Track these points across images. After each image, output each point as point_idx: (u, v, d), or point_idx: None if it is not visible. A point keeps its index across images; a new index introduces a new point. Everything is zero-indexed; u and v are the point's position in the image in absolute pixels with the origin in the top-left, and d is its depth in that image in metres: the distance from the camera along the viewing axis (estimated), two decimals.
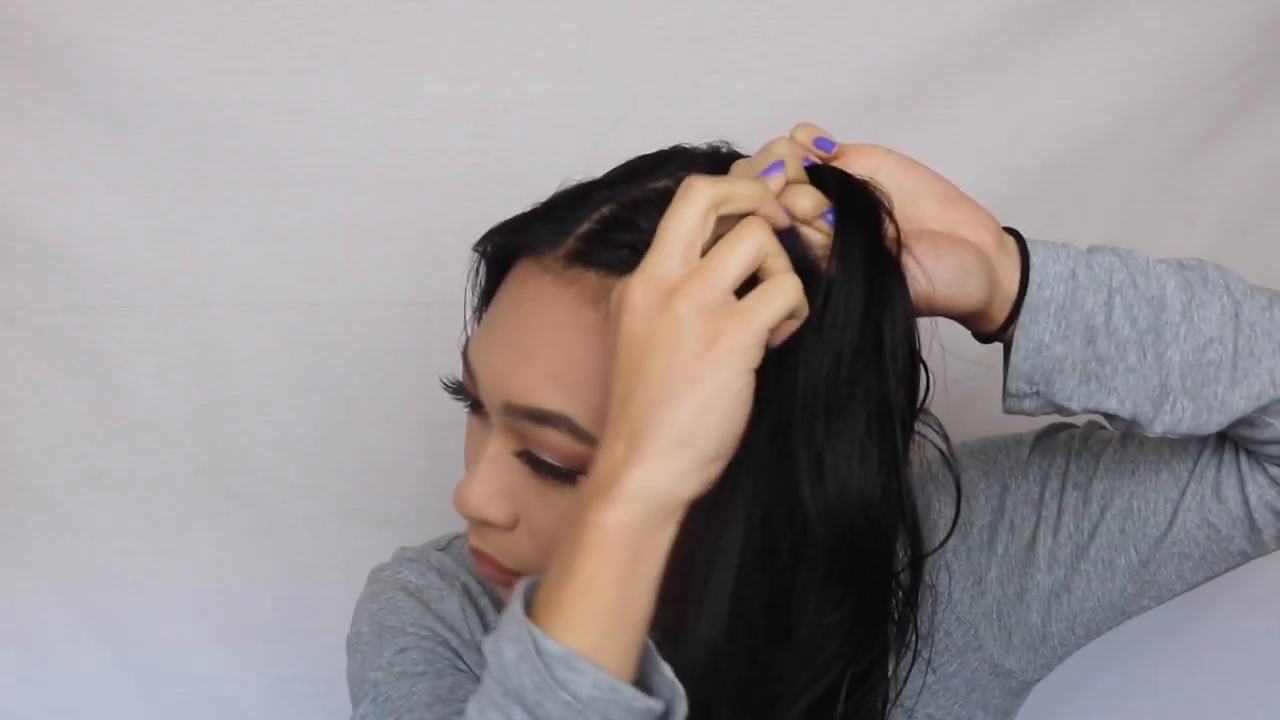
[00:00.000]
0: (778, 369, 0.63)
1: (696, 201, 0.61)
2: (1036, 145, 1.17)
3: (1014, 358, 0.68)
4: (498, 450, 0.69)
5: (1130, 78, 1.16)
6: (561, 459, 0.67)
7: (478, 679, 0.74)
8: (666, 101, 1.11)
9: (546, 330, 0.67)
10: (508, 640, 0.60)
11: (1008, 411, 0.70)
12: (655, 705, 0.60)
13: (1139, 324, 0.67)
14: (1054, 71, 1.16)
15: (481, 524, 0.71)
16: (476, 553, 0.72)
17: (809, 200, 0.65)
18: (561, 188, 0.72)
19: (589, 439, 0.65)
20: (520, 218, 0.71)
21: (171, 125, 1.10)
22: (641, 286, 0.60)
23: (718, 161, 0.70)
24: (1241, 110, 1.18)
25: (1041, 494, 0.78)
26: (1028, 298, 0.67)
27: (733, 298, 0.60)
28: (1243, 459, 0.73)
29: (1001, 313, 0.68)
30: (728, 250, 0.61)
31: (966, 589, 0.79)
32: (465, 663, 0.79)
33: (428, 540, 0.89)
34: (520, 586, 0.62)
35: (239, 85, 1.10)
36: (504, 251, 0.72)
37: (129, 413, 1.15)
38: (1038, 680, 0.83)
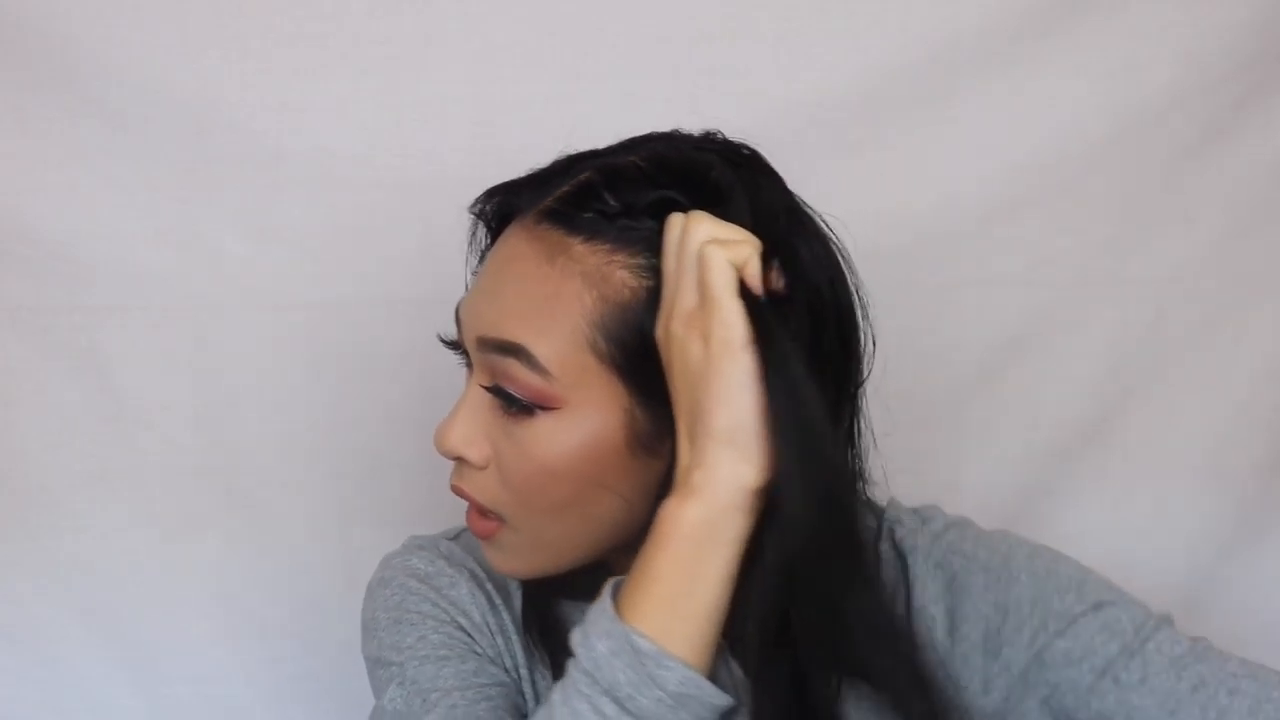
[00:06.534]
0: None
1: (671, 241, 0.70)
2: (1036, 145, 1.17)
3: None
4: (475, 392, 0.75)
5: (1130, 78, 1.16)
6: (521, 390, 0.72)
7: (493, 662, 0.80)
8: (666, 101, 1.11)
9: (514, 278, 0.74)
10: (599, 635, 0.67)
11: None
12: (729, 702, 0.66)
13: None
14: (1054, 71, 1.16)
15: (460, 462, 0.77)
16: (456, 490, 0.77)
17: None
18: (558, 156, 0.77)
19: (545, 372, 0.72)
20: (511, 181, 0.77)
21: (171, 125, 1.10)
22: (659, 323, 0.70)
23: (704, 146, 0.75)
24: (1241, 110, 1.18)
25: (1081, 661, 0.75)
26: None
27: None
28: None
29: None
30: (699, 268, 0.68)
31: (973, 683, 0.79)
32: (480, 645, 0.81)
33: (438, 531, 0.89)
34: (609, 585, 0.69)
35: (239, 85, 1.10)
36: (498, 211, 0.78)
37: (129, 413, 1.15)
38: None
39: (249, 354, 1.15)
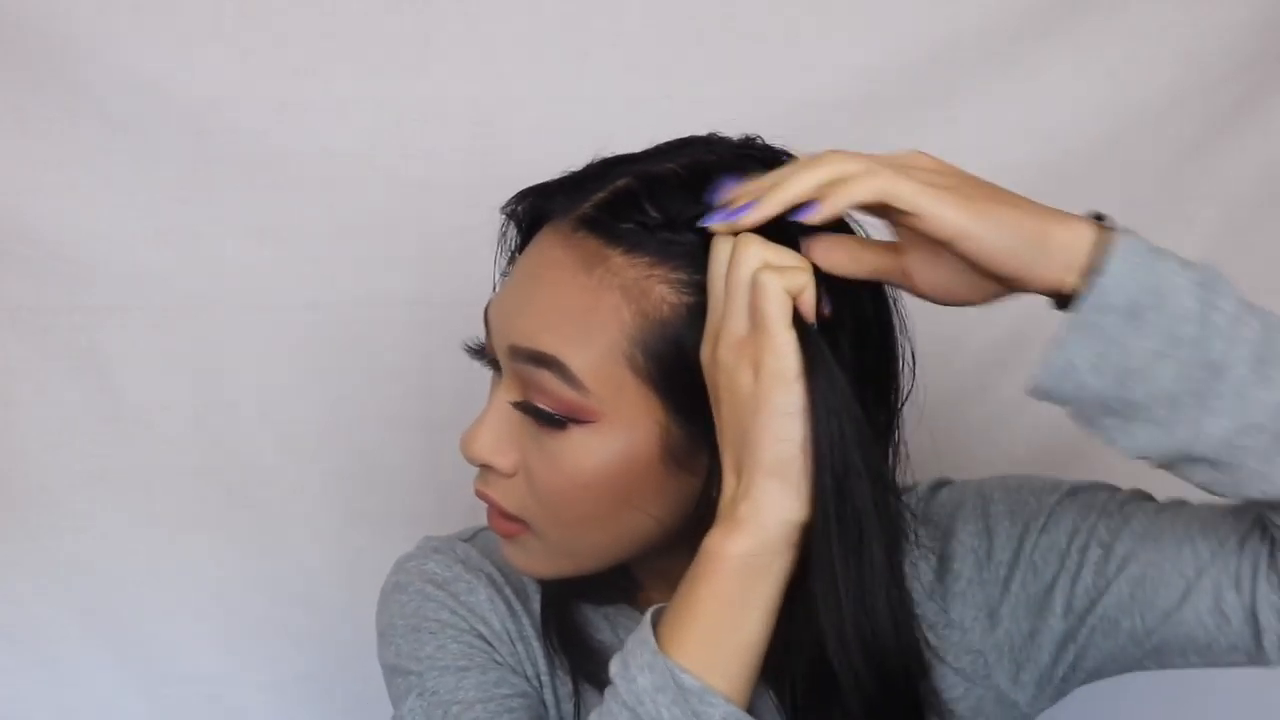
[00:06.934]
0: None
1: (719, 263, 0.67)
2: (1036, 145, 1.17)
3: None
4: (503, 399, 0.74)
5: (1130, 78, 1.16)
6: (554, 404, 0.71)
7: (515, 671, 0.79)
8: (667, 101, 1.11)
9: (549, 286, 0.71)
10: (640, 667, 0.66)
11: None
12: None
13: (1185, 383, 0.63)
14: (1054, 71, 1.16)
15: (485, 469, 0.75)
16: (480, 496, 0.76)
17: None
18: (595, 159, 0.75)
19: (580, 386, 0.70)
20: (547, 183, 0.75)
21: (172, 125, 1.10)
22: (705, 348, 0.67)
23: (745, 152, 0.73)
24: (1241, 110, 1.18)
25: (1068, 545, 0.77)
26: (1076, 315, 0.63)
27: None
28: (1263, 555, 0.71)
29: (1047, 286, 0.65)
30: (752, 295, 0.65)
31: (979, 619, 0.79)
32: (501, 654, 0.80)
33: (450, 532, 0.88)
34: (648, 614, 0.68)
35: (239, 85, 1.10)
36: (530, 214, 0.76)
37: (129, 413, 1.15)
38: (1042, 710, 0.82)
39: (249, 354, 1.15)
